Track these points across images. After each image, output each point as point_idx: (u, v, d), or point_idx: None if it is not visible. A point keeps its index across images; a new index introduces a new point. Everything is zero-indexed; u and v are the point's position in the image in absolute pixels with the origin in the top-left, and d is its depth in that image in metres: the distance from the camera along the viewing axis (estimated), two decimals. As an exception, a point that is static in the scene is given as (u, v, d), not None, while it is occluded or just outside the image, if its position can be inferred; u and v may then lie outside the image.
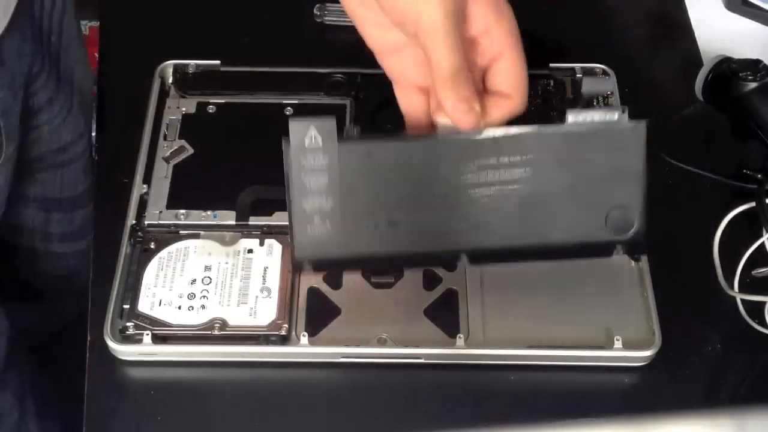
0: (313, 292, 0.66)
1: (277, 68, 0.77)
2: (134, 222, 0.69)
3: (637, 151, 0.58)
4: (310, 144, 0.56)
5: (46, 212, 0.93)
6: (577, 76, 0.77)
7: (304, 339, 0.63)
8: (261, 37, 0.82)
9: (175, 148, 0.73)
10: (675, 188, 0.74)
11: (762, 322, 0.66)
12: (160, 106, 0.75)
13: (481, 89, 0.58)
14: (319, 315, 0.65)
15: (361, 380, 0.64)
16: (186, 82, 0.77)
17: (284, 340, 0.64)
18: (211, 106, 0.75)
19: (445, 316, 0.65)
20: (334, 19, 0.83)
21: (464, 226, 0.59)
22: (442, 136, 0.57)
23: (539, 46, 0.79)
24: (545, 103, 0.76)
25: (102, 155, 0.76)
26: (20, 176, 0.86)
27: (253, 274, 0.66)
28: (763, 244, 0.68)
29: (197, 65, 0.77)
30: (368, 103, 0.75)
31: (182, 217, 0.69)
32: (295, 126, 0.56)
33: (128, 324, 0.64)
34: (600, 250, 0.60)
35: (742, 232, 0.69)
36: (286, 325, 0.64)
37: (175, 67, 0.77)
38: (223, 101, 0.76)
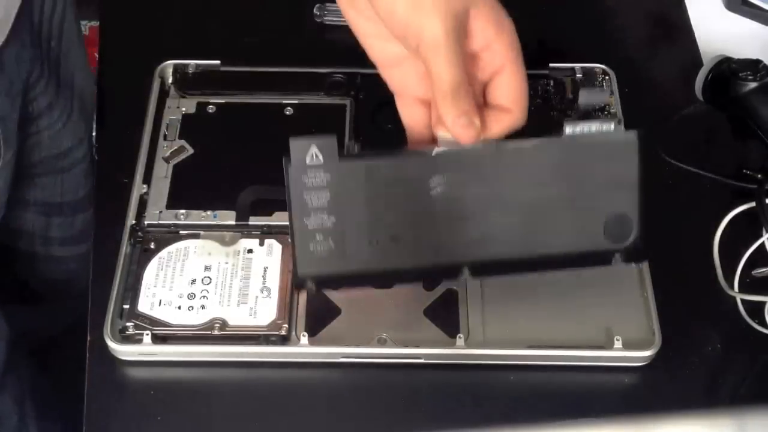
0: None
1: (277, 68, 0.77)
2: (134, 222, 0.69)
3: (633, 161, 0.59)
4: (310, 162, 0.57)
5: (47, 216, 0.92)
6: (577, 76, 0.77)
7: (304, 339, 0.63)
8: (261, 37, 0.82)
9: (175, 148, 0.73)
10: (675, 188, 0.74)
11: (762, 322, 0.66)
12: (160, 106, 0.75)
13: (481, 103, 0.58)
14: (319, 315, 0.65)
15: (361, 380, 0.64)
16: (186, 82, 0.77)
17: (284, 340, 0.64)
18: (211, 106, 0.75)
19: (445, 316, 0.65)
20: (334, 19, 0.83)
21: (465, 239, 0.59)
22: (442, 150, 0.57)
23: (539, 46, 0.79)
24: (545, 103, 0.76)
25: (102, 155, 0.76)
26: (20, 181, 0.86)
27: (253, 274, 0.66)
28: (763, 244, 0.68)
29: (197, 65, 0.77)
30: (368, 103, 0.75)
31: (182, 217, 0.69)
32: (295, 144, 0.56)
33: (128, 324, 0.64)
34: (599, 259, 0.60)
35: (742, 232, 0.69)
36: (286, 325, 0.64)
37: (175, 67, 0.77)
38: (223, 101, 0.76)
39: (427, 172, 0.58)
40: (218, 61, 0.78)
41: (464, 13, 0.55)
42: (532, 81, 0.76)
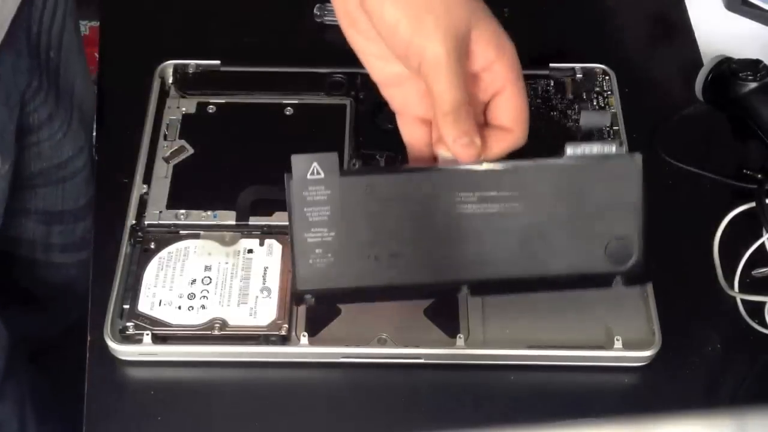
0: (313, 292, 0.66)
1: (277, 68, 0.77)
2: (134, 222, 0.69)
3: (635, 183, 0.59)
4: (311, 177, 0.57)
5: (47, 225, 0.92)
6: (577, 76, 0.77)
7: (304, 339, 0.63)
8: (261, 37, 0.82)
9: (175, 148, 0.73)
10: (675, 188, 0.74)
11: (762, 322, 0.66)
12: (160, 106, 0.75)
13: (482, 122, 0.59)
14: (319, 315, 0.65)
15: (361, 380, 0.64)
16: (186, 82, 0.77)
17: (284, 340, 0.64)
18: (211, 106, 0.75)
19: (445, 316, 0.65)
20: (334, 19, 0.82)
21: (465, 257, 0.60)
22: (443, 168, 0.58)
23: (539, 46, 0.79)
24: (545, 103, 0.76)
25: (102, 155, 0.76)
26: (21, 191, 0.86)
27: (253, 274, 0.66)
28: (763, 244, 0.68)
29: (197, 65, 0.77)
30: (368, 103, 0.75)
31: (182, 217, 0.69)
32: (297, 161, 0.57)
33: (128, 324, 0.64)
34: (599, 281, 0.61)
35: (742, 232, 0.69)
36: (286, 325, 0.64)
37: (175, 67, 0.77)
38: (223, 101, 0.76)
39: (427, 190, 0.58)
40: (218, 61, 0.78)
41: (466, 34, 0.56)
42: (533, 81, 0.77)
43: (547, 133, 0.74)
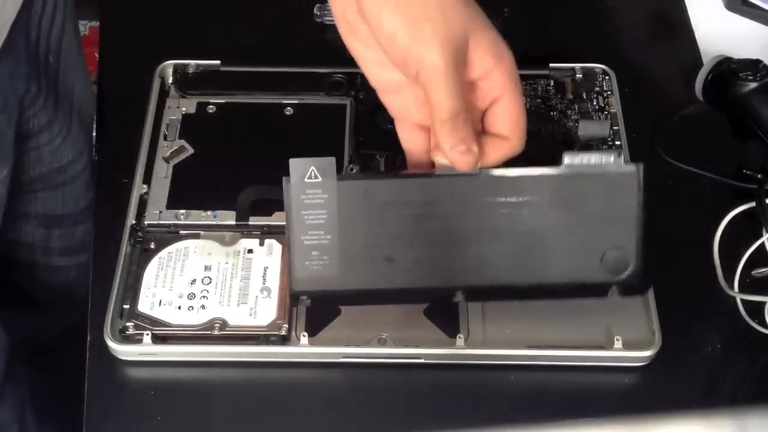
0: (313, 292, 0.66)
1: (277, 68, 0.77)
2: (134, 222, 0.69)
3: (633, 193, 0.59)
4: (309, 181, 0.57)
5: (47, 228, 0.92)
6: (577, 76, 0.77)
7: (304, 339, 0.63)
8: (261, 37, 0.82)
9: (175, 148, 0.73)
10: (675, 188, 0.74)
11: (762, 322, 0.66)
12: (160, 106, 0.75)
13: (479, 129, 0.59)
14: (319, 315, 0.65)
15: (361, 380, 0.64)
16: (186, 82, 0.77)
17: (284, 340, 0.64)
18: (211, 106, 0.75)
19: (445, 316, 0.65)
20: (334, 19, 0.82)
21: (461, 263, 0.60)
22: (440, 175, 0.58)
23: (539, 46, 0.79)
24: (545, 103, 0.76)
25: (102, 155, 0.76)
26: (20, 196, 0.86)
27: (253, 274, 0.66)
28: (763, 244, 0.68)
29: (197, 65, 0.77)
30: (368, 103, 0.75)
31: (182, 217, 0.69)
32: (295, 165, 0.57)
33: (128, 324, 0.64)
34: (595, 290, 0.61)
35: (742, 232, 0.69)
36: (286, 325, 0.64)
37: (175, 67, 0.77)
38: (223, 101, 0.76)
39: (424, 196, 0.58)
40: (218, 61, 0.78)
41: (464, 43, 0.56)
42: (533, 81, 0.77)
43: (546, 134, 0.74)
